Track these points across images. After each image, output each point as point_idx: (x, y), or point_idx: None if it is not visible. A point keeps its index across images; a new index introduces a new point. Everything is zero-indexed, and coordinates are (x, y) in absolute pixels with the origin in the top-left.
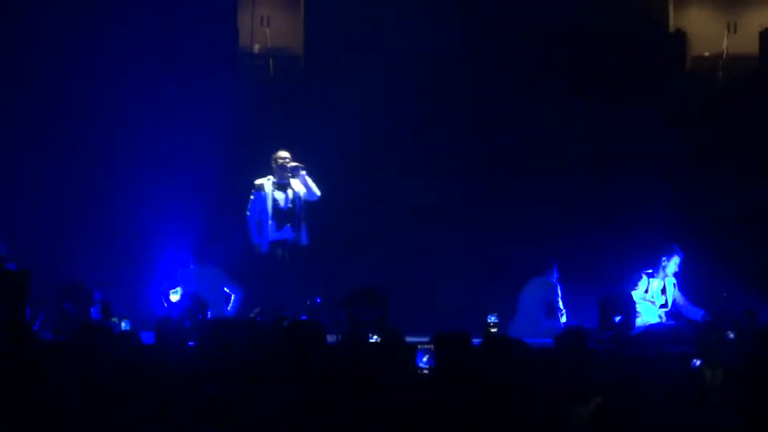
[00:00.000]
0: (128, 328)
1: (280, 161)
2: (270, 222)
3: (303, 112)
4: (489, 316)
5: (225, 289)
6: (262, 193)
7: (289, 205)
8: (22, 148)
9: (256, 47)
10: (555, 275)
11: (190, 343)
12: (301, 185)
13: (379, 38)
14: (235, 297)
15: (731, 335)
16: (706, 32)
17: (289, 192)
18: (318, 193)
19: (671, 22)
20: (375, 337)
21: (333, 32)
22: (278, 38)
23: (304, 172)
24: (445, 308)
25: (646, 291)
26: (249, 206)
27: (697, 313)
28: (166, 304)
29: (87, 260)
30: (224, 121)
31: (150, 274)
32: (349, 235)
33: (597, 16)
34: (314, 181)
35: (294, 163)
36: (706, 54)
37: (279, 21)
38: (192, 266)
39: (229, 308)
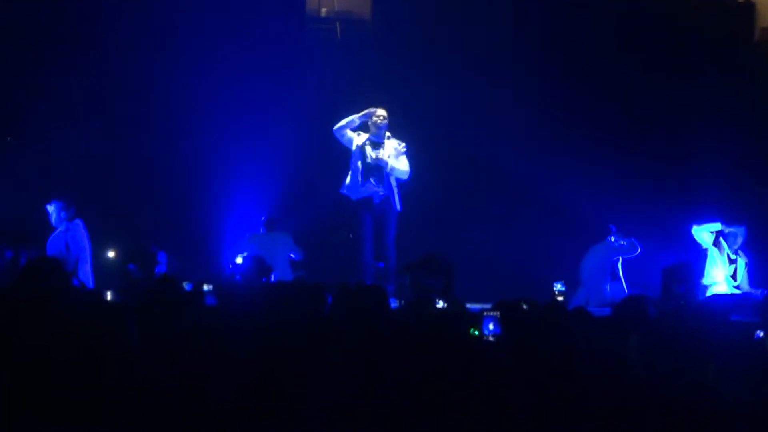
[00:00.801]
0: (189, 289)
1: (375, 119)
2: (359, 177)
3: (370, 76)
4: (555, 284)
5: (291, 254)
6: (352, 143)
7: (379, 163)
8: (92, 112)
9: (323, 11)
10: (615, 240)
11: (252, 305)
12: (395, 159)
13: (448, 4)
14: (298, 261)
15: None
16: None
17: (381, 152)
18: (407, 174)
19: None
20: (441, 302)
21: None
22: (346, 2)
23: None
24: (517, 276)
25: (718, 244)
26: None
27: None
28: (231, 267)
29: (153, 222)
30: (291, 85)
31: (219, 239)
32: (417, 202)
33: None
34: None
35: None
36: None
37: None
38: (261, 231)
39: (292, 273)
